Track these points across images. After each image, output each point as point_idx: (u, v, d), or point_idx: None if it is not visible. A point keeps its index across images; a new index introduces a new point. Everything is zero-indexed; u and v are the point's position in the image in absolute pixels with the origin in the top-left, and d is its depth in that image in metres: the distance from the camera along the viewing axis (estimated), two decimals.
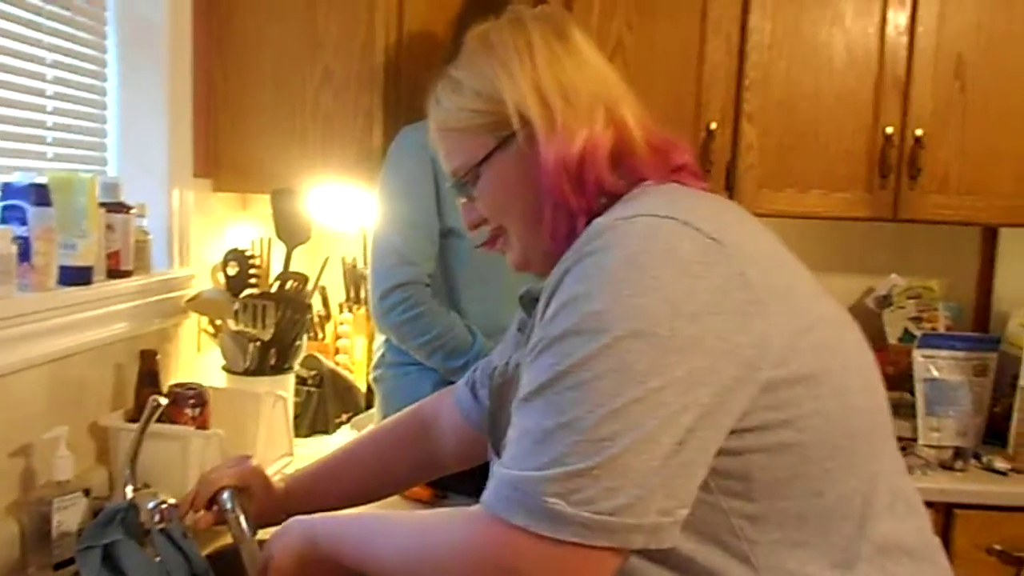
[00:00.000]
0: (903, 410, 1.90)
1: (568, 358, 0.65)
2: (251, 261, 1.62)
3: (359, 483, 1.15)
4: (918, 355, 1.90)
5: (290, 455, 1.55)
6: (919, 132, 1.82)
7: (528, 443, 0.65)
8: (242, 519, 1.06)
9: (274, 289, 1.61)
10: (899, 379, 2.00)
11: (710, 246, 0.68)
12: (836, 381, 0.71)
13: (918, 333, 2.00)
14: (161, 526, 1.00)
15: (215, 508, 1.07)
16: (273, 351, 1.59)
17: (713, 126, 1.84)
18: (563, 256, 0.72)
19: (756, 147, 1.85)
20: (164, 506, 0.99)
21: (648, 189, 0.79)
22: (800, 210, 1.88)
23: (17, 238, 1.13)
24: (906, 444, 1.80)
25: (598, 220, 0.72)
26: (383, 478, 1.16)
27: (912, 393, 1.89)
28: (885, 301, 2.14)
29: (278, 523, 1.07)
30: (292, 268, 1.67)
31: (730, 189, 1.87)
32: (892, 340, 2.10)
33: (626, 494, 0.61)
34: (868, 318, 2.17)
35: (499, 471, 0.67)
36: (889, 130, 1.82)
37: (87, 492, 1.15)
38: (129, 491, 1.10)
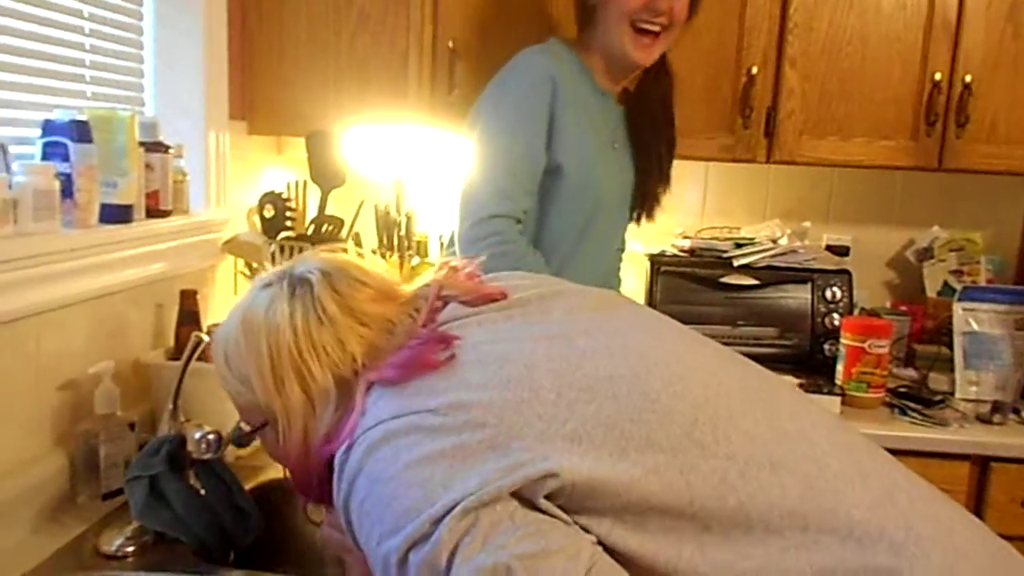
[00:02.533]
0: (940, 364, 1.88)
1: None
2: (287, 204, 1.62)
3: None
4: (958, 308, 1.86)
5: None
6: (968, 78, 1.76)
7: None
8: None
9: (310, 232, 1.61)
10: (937, 333, 1.97)
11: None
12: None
13: (958, 286, 1.96)
14: (207, 456, 1.01)
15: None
16: None
17: (754, 70, 1.79)
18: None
19: (798, 92, 1.81)
20: (211, 436, 1.00)
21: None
22: (842, 158, 1.83)
23: (59, 175, 1.14)
24: (944, 397, 1.77)
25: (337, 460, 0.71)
26: None
27: (950, 347, 1.86)
28: (925, 254, 2.10)
29: None
30: (327, 212, 1.67)
31: (770, 136, 1.83)
32: (931, 293, 2.07)
33: None
34: (907, 271, 2.14)
35: None
36: (937, 76, 1.77)
37: (132, 426, 1.17)
38: (174, 423, 1.12)
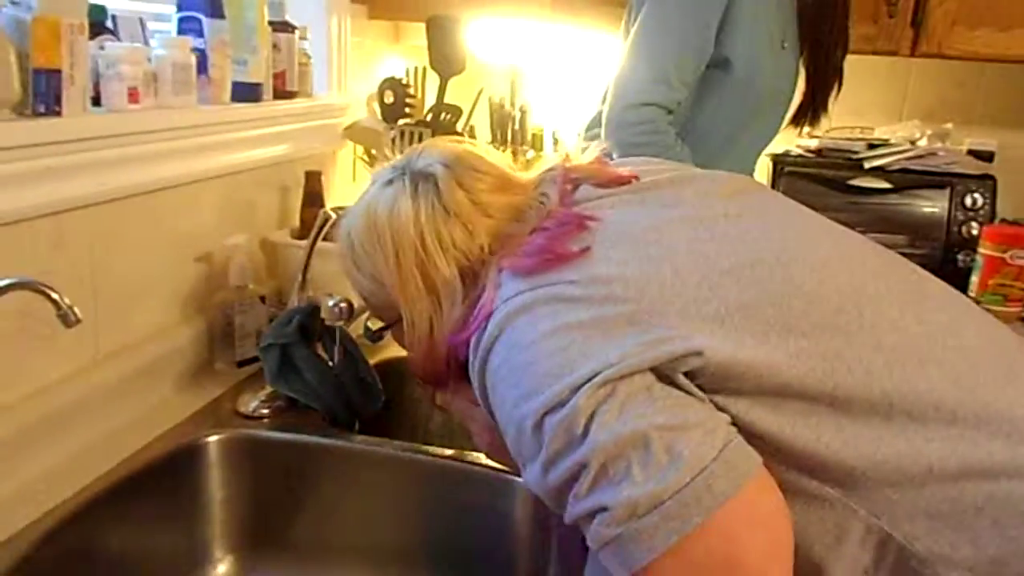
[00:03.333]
0: None
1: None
2: (407, 90, 1.61)
3: None
4: None
5: None
6: None
7: None
8: None
9: (428, 119, 1.60)
10: None
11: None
12: None
13: None
14: (340, 322, 1.04)
15: None
16: None
17: None
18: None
19: None
20: (343, 303, 1.03)
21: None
22: (997, 52, 1.68)
23: (194, 50, 1.16)
24: None
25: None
26: None
27: None
28: None
29: None
30: (445, 100, 1.65)
31: (916, 26, 1.69)
32: None
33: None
34: None
35: None
36: None
37: (263, 299, 1.22)
38: (303, 297, 1.15)
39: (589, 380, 0.61)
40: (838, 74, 1.52)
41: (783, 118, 1.55)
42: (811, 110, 1.55)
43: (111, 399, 1.02)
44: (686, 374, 0.63)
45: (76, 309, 0.78)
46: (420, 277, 0.76)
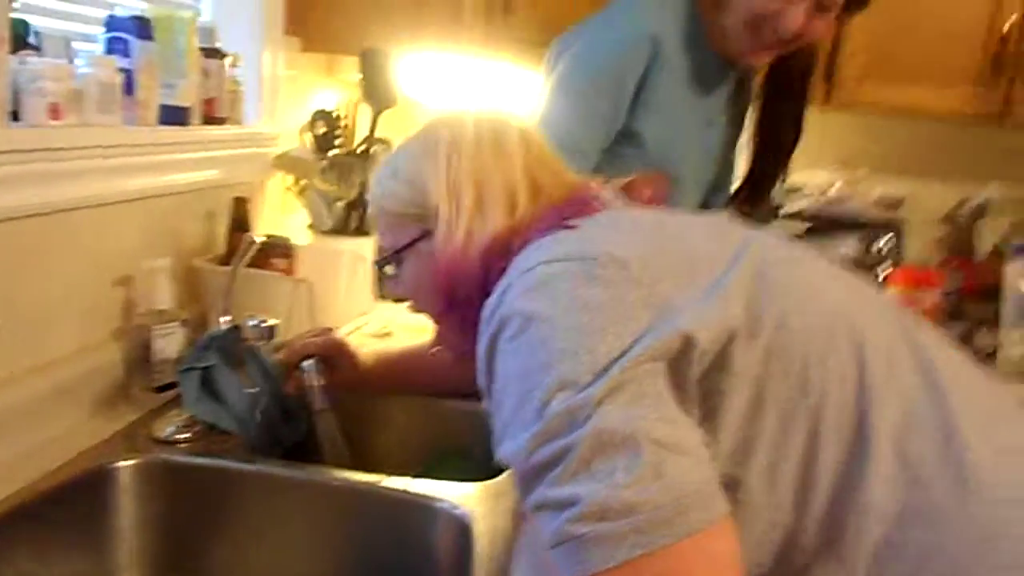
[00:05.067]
0: (988, 321, 1.85)
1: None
2: (338, 122, 1.62)
3: (442, 377, 1.18)
4: (1011, 266, 1.82)
5: (366, 313, 1.59)
6: None
7: None
8: (320, 392, 1.11)
9: (360, 151, 1.61)
10: (986, 291, 1.94)
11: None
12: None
13: (1011, 245, 1.92)
14: (262, 343, 1.03)
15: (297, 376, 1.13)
16: (356, 214, 1.60)
17: None
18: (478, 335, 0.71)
19: (863, 34, 1.76)
20: (264, 324, 1.02)
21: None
22: (905, 105, 1.79)
23: (121, 70, 1.15)
24: (991, 353, 1.75)
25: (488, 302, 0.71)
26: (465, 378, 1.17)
27: (999, 306, 1.83)
28: (979, 212, 2.05)
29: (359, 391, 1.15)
30: (377, 134, 1.66)
31: (829, 80, 1.79)
32: (982, 252, 2.03)
33: None
34: (960, 227, 2.10)
35: None
36: (1009, 23, 1.71)
37: (184, 322, 1.19)
38: (225, 321, 1.14)
39: (606, 369, 0.61)
40: (782, 164, 1.47)
41: (717, 188, 1.50)
42: (746, 195, 1.50)
43: (20, 420, 0.98)
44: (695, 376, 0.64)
45: None
46: (472, 183, 0.79)
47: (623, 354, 0.61)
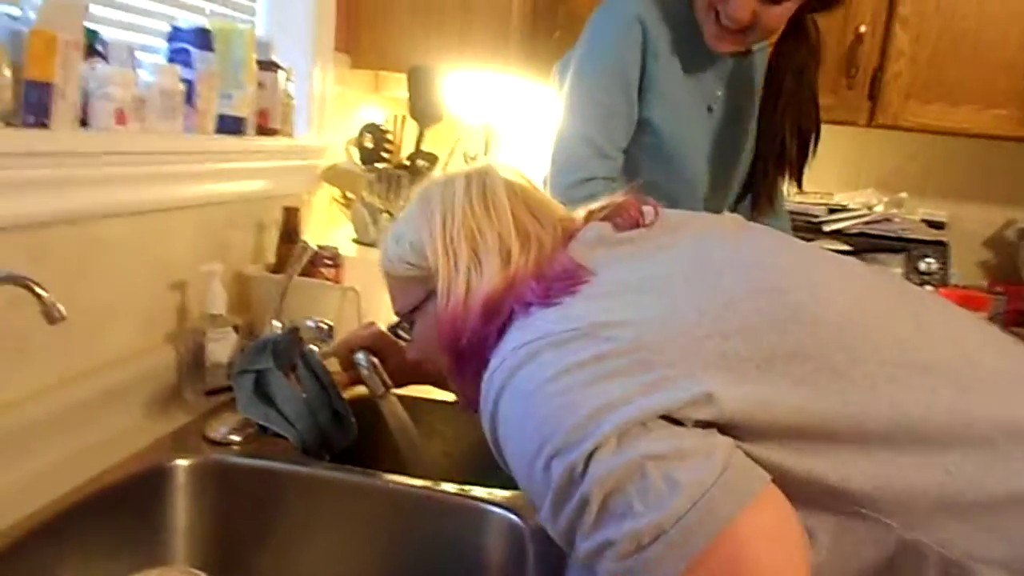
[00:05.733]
0: None
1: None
2: (386, 136, 1.64)
3: None
4: None
5: None
6: None
7: None
8: (376, 377, 1.12)
9: (406, 164, 1.63)
10: None
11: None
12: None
13: None
14: (321, 344, 1.04)
15: (352, 369, 1.13)
16: None
17: (863, 29, 1.75)
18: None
19: (907, 54, 1.76)
20: (323, 324, 1.03)
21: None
22: (948, 125, 1.78)
23: (182, 79, 1.17)
24: None
25: (482, 384, 0.71)
26: None
27: None
28: None
29: (409, 384, 1.14)
30: (423, 148, 1.68)
31: (873, 99, 1.78)
32: None
33: None
34: (1006, 250, 2.07)
35: None
36: None
37: (236, 328, 1.21)
38: (277, 325, 1.15)
39: (597, 423, 0.61)
40: (781, 161, 1.40)
41: (726, 179, 1.48)
42: (750, 194, 1.47)
43: (77, 420, 1.00)
44: (700, 423, 0.62)
45: (60, 306, 0.77)
46: (466, 239, 0.80)
47: (613, 409, 0.61)
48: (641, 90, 1.35)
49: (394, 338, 1.04)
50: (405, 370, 1.17)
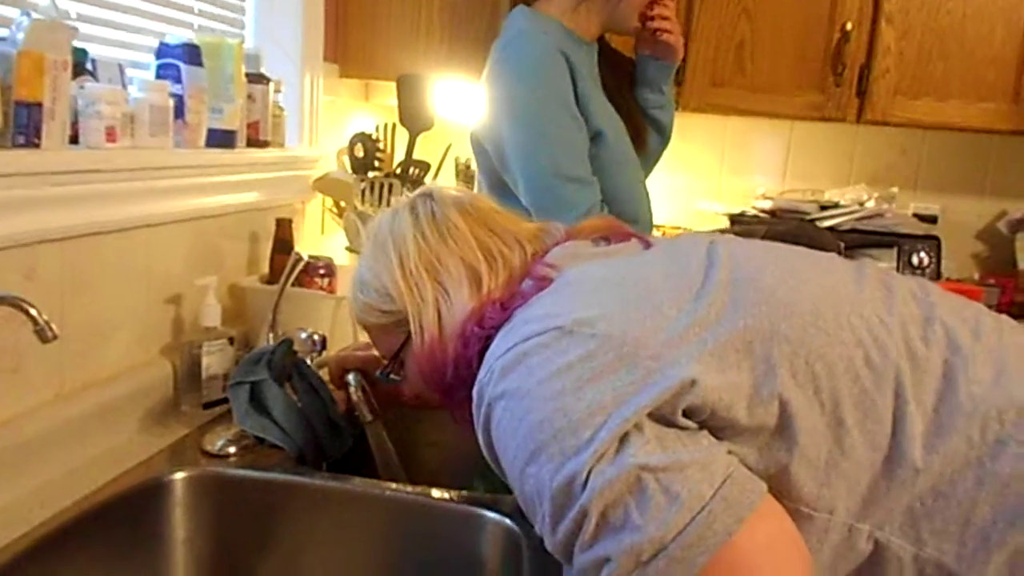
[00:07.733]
0: None
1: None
2: (377, 144, 1.65)
3: None
4: None
5: None
6: None
7: None
8: (365, 404, 1.11)
9: (398, 172, 1.64)
10: None
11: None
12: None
13: None
14: (313, 354, 1.04)
15: (343, 388, 1.13)
16: None
17: (849, 26, 1.76)
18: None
19: (894, 50, 1.77)
20: (316, 336, 1.04)
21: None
22: (937, 120, 1.79)
23: (172, 95, 1.18)
24: None
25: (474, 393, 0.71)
26: None
27: None
28: (1019, 225, 2.03)
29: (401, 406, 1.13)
30: (414, 155, 1.69)
31: (861, 95, 1.79)
32: (1022, 266, 2.01)
33: None
34: (998, 243, 2.08)
35: None
36: None
37: (231, 340, 1.22)
38: (271, 338, 1.16)
39: (592, 432, 0.61)
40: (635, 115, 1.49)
41: (646, 159, 1.53)
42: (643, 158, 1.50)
43: (73, 435, 1.01)
44: (685, 413, 0.63)
45: (53, 325, 0.77)
46: (427, 273, 0.80)
47: (607, 414, 0.61)
48: (583, 105, 1.35)
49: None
50: (396, 392, 1.18)
